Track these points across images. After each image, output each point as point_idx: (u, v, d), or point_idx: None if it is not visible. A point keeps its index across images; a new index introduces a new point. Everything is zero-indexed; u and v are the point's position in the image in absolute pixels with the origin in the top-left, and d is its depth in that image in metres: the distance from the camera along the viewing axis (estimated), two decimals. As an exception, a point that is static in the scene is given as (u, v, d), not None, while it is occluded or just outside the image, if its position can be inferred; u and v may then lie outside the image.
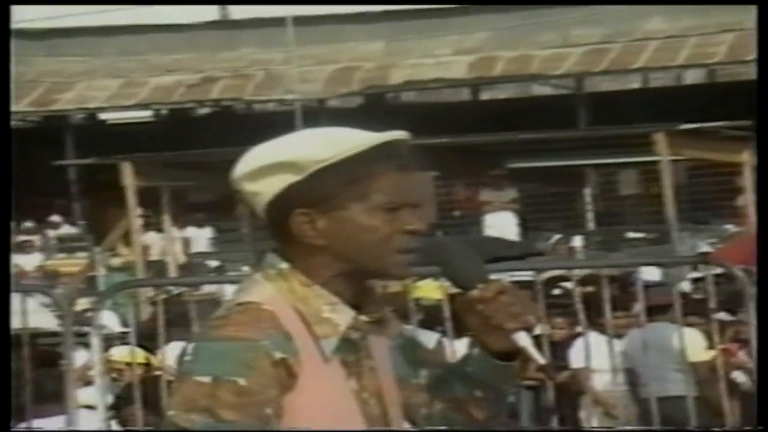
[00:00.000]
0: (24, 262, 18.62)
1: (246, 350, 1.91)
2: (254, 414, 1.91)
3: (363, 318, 2.00)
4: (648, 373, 6.43)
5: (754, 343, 5.44)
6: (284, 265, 2.00)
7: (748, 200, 14.69)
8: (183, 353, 1.96)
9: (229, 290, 6.05)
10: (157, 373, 6.09)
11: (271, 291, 1.98)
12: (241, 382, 1.90)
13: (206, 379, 1.91)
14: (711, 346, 6.34)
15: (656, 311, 6.67)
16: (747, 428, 5.14)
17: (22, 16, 22.50)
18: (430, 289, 6.76)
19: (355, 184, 1.97)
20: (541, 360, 2.03)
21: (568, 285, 7.72)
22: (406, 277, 2.03)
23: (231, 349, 1.91)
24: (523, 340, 2.02)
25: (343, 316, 1.99)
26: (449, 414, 2.11)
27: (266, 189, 1.99)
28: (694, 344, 6.51)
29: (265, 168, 1.99)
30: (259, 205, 2.01)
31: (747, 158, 14.34)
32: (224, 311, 1.97)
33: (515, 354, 2.05)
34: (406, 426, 2.09)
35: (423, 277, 6.17)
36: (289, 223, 1.98)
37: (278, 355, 1.93)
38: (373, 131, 2.04)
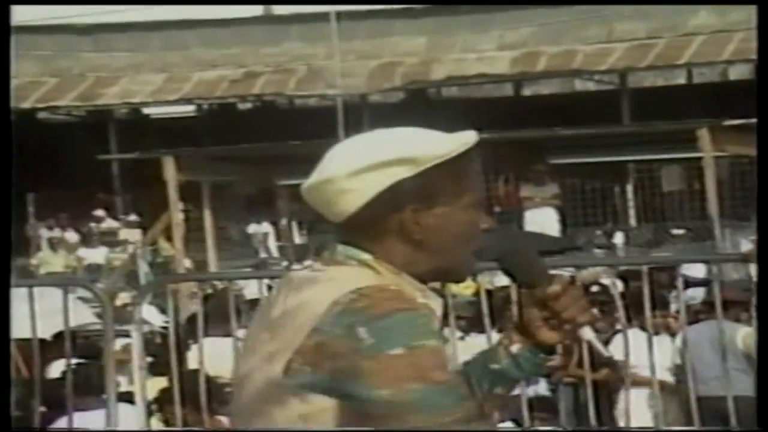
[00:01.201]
0: (89, 255, 18.81)
1: (418, 317, 1.93)
2: (452, 372, 1.97)
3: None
4: (705, 371, 6.36)
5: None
6: (366, 256, 2.02)
7: (793, 197, 14.54)
8: (353, 339, 1.93)
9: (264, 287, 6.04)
10: (195, 368, 6.10)
11: (367, 276, 2.00)
12: (431, 344, 1.93)
13: (399, 351, 1.90)
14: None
15: (708, 309, 6.59)
16: (747, 428, 5.07)
17: (69, 12, 22.69)
18: (462, 286, 6.73)
19: (458, 180, 2.03)
20: (605, 352, 2.14)
21: (606, 282, 7.67)
22: (468, 276, 2.11)
23: (408, 318, 1.92)
24: (588, 333, 2.11)
25: (435, 302, 2.04)
26: None
27: (369, 185, 2.00)
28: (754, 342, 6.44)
29: (375, 164, 2.00)
30: (350, 204, 2.01)
31: (792, 154, 14.17)
32: (353, 296, 1.95)
33: (555, 349, 2.12)
34: None
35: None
36: (393, 218, 2.01)
37: (434, 322, 1.99)
38: (416, 127, 2.09)
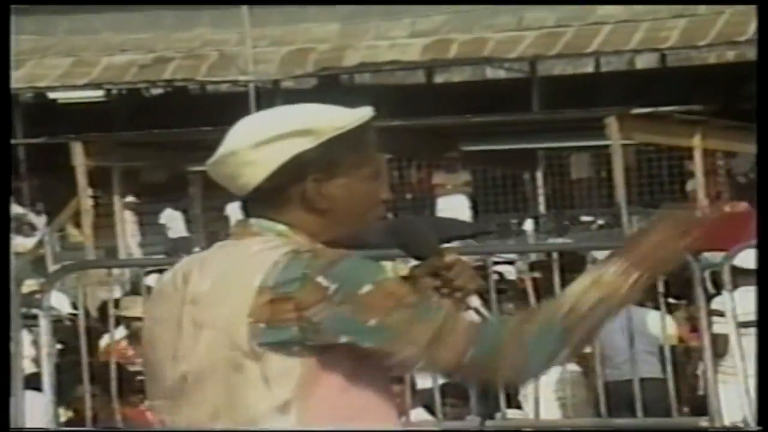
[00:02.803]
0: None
1: (361, 258, 2.05)
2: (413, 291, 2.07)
3: None
4: (615, 356, 6.45)
5: (703, 326, 5.47)
6: (281, 227, 2.08)
7: (698, 184, 14.83)
8: (315, 288, 1.98)
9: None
10: (107, 359, 6.03)
11: (291, 243, 2.07)
12: (390, 275, 2.05)
13: (369, 288, 2.01)
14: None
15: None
16: (747, 428, 5.19)
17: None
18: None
19: (358, 151, 2.12)
20: (489, 318, 2.20)
21: (501, 270, 7.74)
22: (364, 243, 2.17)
23: (354, 262, 2.03)
24: (475, 301, 2.22)
25: None
26: None
27: (271, 156, 2.07)
28: (668, 328, 6.57)
29: (276, 136, 2.07)
30: (254, 176, 2.07)
31: (698, 142, 14.47)
32: (292, 254, 2.02)
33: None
34: None
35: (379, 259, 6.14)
36: (296, 188, 2.08)
37: None
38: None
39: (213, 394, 2.02)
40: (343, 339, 1.99)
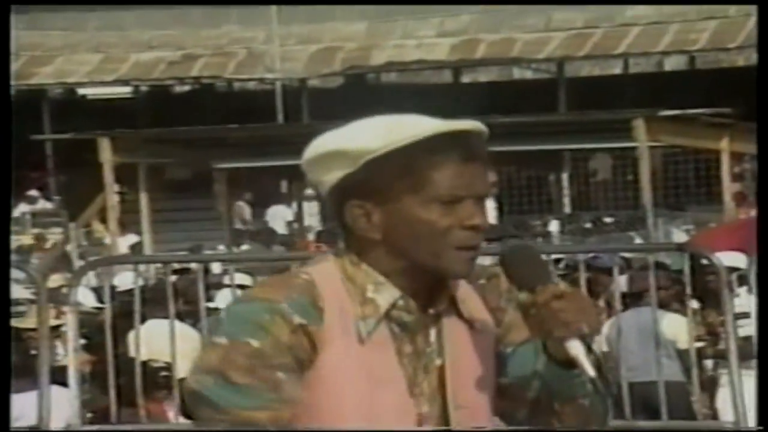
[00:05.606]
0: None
1: (263, 311, 1.86)
2: (265, 378, 1.86)
3: (431, 310, 1.93)
4: (629, 358, 6.46)
5: (729, 329, 5.46)
6: (342, 245, 1.95)
7: (725, 187, 14.78)
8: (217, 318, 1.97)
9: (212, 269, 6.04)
10: (131, 355, 6.07)
11: (330, 266, 1.93)
12: (255, 344, 1.86)
13: (223, 341, 1.87)
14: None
15: (632, 297, 6.69)
16: (747, 428, 5.17)
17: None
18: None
19: (410, 175, 1.88)
20: (590, 372, 1.87)
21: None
22: (466, 275, 1.93)
23: (250, 310, 1.87)
24: (574, 348, 1.86)
25: (385, 296, 1.91)
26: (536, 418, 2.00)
27: (327, 177, 1.93)
28: (682, 331, 6.54)
29: (323, 156, 1.92)
30: (324, 191, 1.95)
31: (725, 145, 14.42)
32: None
33: (575, 361, 1.89)
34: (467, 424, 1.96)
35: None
36: (343, 214, 1.92)
37: (297, 320, 1.87)
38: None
39: None
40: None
